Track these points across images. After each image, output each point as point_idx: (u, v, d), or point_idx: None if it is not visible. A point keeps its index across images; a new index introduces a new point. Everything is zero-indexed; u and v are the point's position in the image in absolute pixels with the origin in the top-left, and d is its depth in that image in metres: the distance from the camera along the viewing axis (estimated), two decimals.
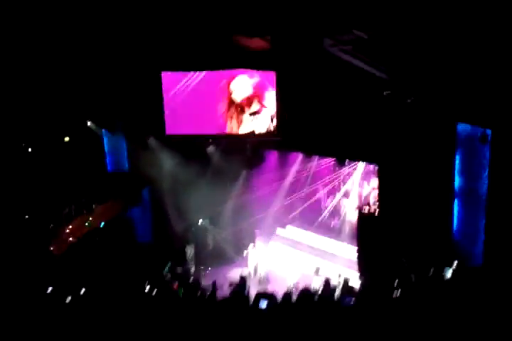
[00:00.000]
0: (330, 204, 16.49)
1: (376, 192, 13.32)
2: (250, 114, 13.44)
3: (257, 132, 13.52)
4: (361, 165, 15.02)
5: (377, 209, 12.20)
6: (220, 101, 13.48)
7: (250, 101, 13.40)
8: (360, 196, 15.58)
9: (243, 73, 13.17)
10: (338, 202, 16.33)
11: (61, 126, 13.49)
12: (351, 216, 15.51)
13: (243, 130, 13.64)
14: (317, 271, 13.25)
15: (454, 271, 7.84)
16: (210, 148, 14.86)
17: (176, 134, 13.90)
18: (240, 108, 13.51)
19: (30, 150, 13.04)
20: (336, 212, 16.45)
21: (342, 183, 16.11)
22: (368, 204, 13.20)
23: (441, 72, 9.13)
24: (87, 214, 13.62)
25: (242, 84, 13.30)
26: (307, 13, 8.98)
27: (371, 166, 14.25)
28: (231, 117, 13.60)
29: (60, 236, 12.67)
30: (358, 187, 15.68)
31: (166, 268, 13.52)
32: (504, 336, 4.94)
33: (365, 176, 15.30)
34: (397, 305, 6.15)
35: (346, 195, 16.13)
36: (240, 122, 13.60)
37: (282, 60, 12.05)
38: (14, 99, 11.77)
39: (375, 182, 14.12)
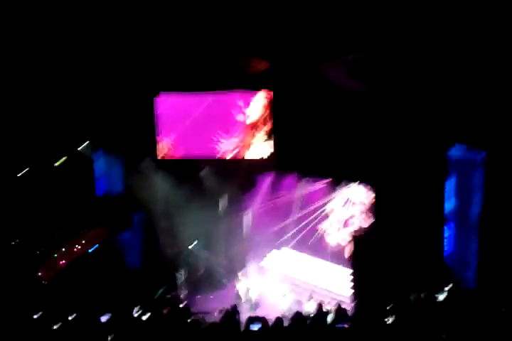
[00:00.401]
0: (323, 227, 16.40)
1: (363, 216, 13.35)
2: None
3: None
4: (353, 188, 15.00)
5: (372, 231, 12.16)
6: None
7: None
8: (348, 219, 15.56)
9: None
10: (331, 225, 16.24)
11: (53, 150, 13.44)
12: (343, 239, 15.43)
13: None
14: (310, 298, 13.08)
15: (447, 294, 7.75)
16: (204, 172, 14.81)
17: (169, 158, 13.91)
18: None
19: (19, 175, 12.93)
20: (329, 234, 16.34)
21: (336, 205, 16.06)
22: (363, 228, 13.16)
23: (435, 96, 9.24)
24: (76, 239, 13.46)
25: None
26: (304, 36, 9.13)
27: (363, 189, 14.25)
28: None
29: (48, 262, 12.49)
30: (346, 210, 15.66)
31: (159, 294, 13.33)
32: None
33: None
34: (390, 329, 6.04)
35: (338, 217, 16.06)
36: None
37: (279, 81, 12.15)
38: (6, 121, 11.76)
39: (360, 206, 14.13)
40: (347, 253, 14.18)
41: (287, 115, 12.83)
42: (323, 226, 16.35)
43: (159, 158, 13.96)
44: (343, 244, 15.54)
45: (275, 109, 13.00)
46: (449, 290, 8.45)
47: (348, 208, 15.52)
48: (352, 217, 15.57)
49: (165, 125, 13.81)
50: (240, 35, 9.58)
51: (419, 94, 9.45)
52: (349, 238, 13.58)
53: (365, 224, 13.71)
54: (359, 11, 8.23)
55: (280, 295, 14.11)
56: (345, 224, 15.75)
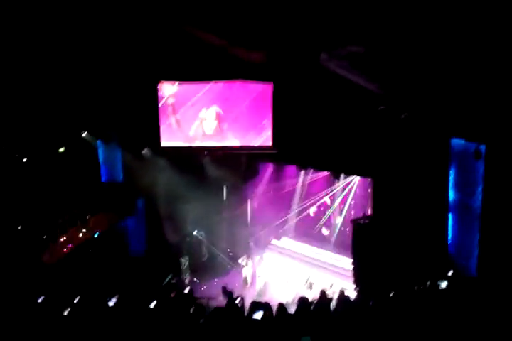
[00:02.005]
0: (324, 216, 16.53)
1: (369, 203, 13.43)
2: None
3: None
4: (356, 179, 15.11)
5: (372, 221, 12.25)
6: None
7: None
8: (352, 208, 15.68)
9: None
10: (332, 214, 16.38)
11: (56, 137, 13.48)
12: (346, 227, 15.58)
13: None
14: (310, 286, 13.25)
15: (449, 282, 7.87)
16: (206, 160, 14.90)
17: (171, 146, 13.97)
18: None
19: (24, 160, 13.00)
20: (329, 223, 16.50)
21: (336, 195, 16.19)
22: (363, 217, 13.24)
23: (436, 88, 9.26)
24: (81, 225, 13.58)
25: None
26: (304, 28, 9.12)
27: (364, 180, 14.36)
28: None
29: (53, 247, 12.61)
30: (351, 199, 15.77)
31: (167, 280, 13.48)
32: None
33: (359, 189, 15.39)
34: (392, 316, 6.17)
35: (339, 206, 16.20)
36: None
37: (278, 73, 12.18)
38: (9, 109, 11.79)
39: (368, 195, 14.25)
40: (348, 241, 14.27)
41: (287, 106, 12.86)
42: (324, 215, 16.53)
43: (162, 145, 13.96)
44: (343, 233, 15.71)
45: (275, 100, 13.02)
46: (451, 278, 8.57)
47: (349, 198, 15.69)
48: (353, 206, 15.72)
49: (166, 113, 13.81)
50: (239, 25, 9.56)
51: (421, 86, 9.47)
52: (350, 227, 13.63)
53: (367, 213, 13.80)
54: (362, 3, 8.23)
55: (284, 281, 14.33)
56: (346, 214, 15.91)
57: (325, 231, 16.55)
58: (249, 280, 14.55)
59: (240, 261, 15.28)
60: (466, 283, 8.11)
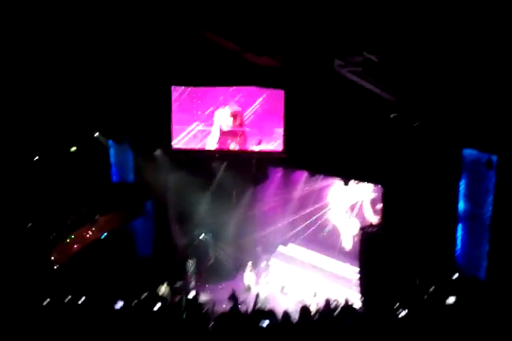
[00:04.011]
0: (332, 224, 16.47)
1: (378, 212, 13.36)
2: None
3: None
4: (367, 186, 15.04)
5: (381, 229, 12.18)
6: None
7: None
8: (362, 216, 15.60)
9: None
10: (340, 222, 16.31)
11: (68, 136, 13.57)
12: (353, 236, 15.51)
13: None
14: (315, 295, 13.21)
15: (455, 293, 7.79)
16: (216, 163, 14.90)
17: (183, 149, 13.99)
18: None
19: (36, 159, 13.09)
20: (337, 231, 16.43)
21: (346, 203, 16.13)
22: (371, 225, 13.19)
23: (449, 97, 9.20)
24: (90, 224, 13.63)
25: None
26: (318, 34, 9.09)
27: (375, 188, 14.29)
28: None
29: (61, 246, 12.67)
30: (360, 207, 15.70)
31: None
32: None
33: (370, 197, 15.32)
34: (399, 326, 6.12)
35: (349, 214, 16.13)
36: None
37: (291, 78, 12.18)
38: (22, 109, 11.88)
39: (377, 203, 14.19)
40: (355, 250, 14.21)
41: (298, 113, 12.85)
42: (332, 222, 16.47)
43: (173, 148, 13.99)
44: (351, 241, 15.64)
45: (287, 107, 13.02)
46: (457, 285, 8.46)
47: (358, 205, 15.61)
48: (361, 213, 15.65)
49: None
50: (253, 32, 9.55)
51: (435, 95, 9.41)
52: (358, 235, 13.59)
53: (375, 221, 13.74)
54: (376, 10, 8.18)
55: (289, 288, 14.28)
56: (354, 221, 15.84)
57: (332, 239, 16.48)
58: (252, 287, 14.49)
59: (246, 265, 15.24)
60: (474, 290, 8.01)
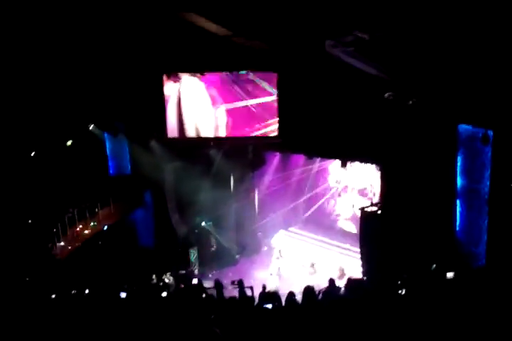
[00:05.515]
0: (332, 206, 16.51)
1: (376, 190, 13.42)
2: None
3: None
4: (363, 166, 15.06)
5: (380, 208, 12.23)
6: None
7: None
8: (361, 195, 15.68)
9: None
10: (340, 203, 16.37)
11: (64, 130, 13.53)
12: (353, 216, 15.60)
13: None
14: (312, 266, 13.37)
15: (456, 272, 7.84)
16: (213, 150, 14.90)
17: (178, 137, 13.97)
18: None
19: (32, 154, 13.05)
20: (337, 213, 16.49)
21: (343, 184, 16.17)
22: (371, 204, 13.23)
23: (443, 74, 9.17)
24: (90, 217, 13.66)
25: None
26: (308, 15, 9.02)
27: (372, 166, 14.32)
28: None
29: (63, 240, 12.71)
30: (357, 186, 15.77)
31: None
32: (506, 335, 4.96)
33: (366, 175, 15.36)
34: (401, 304, 6.17)
35: (348, 194, 16.18)
36: None
37: (283, 61, 12.12)
38: (17, 103, 11.81)
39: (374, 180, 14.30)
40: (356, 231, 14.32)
41: (292, 95, 12.81)
42: (332, 205, 16.52)
43: (168, 136, 13.97)
44: (351, 221, 15.71)
45: (280, 89, 12.97)
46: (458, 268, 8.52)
47: (356, 186, 15.66)
48: (360, 194, 15.70)
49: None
50: (242, 14, 9.47)
51: (428, 72, 9.37)
52: (358, 215, 13.64)
53: (374, 200, 13.79)
54: None
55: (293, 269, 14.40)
56: (354, 202, 15.89)
57: (333, 221, 16.54)
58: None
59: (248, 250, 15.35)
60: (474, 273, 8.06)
